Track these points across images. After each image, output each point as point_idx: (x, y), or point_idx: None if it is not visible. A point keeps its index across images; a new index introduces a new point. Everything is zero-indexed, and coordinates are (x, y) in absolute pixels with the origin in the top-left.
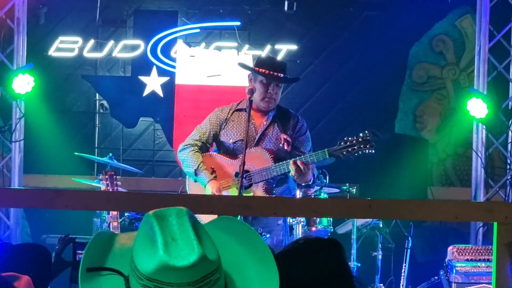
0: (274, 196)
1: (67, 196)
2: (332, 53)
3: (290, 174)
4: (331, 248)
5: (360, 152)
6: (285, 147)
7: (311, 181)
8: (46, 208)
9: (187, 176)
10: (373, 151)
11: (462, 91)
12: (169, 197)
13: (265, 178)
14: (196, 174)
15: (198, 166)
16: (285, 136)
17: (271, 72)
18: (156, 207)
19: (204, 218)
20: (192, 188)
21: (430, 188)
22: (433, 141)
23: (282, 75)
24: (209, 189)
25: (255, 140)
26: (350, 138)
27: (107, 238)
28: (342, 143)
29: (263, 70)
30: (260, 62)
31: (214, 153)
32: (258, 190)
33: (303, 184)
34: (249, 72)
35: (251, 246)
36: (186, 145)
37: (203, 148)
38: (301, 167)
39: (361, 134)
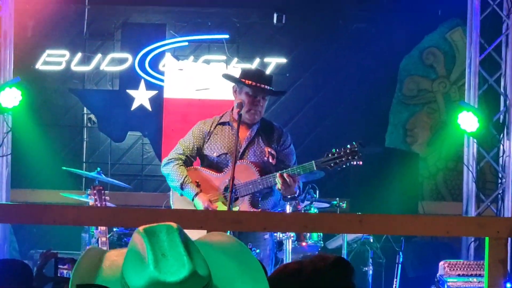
0: (264, 211)
1: (55, 211)
2: (322, 66)
3: (276, 187)
4: (338, 269)
5: (348, 164)
6: (270, 160)
7: (297, 194)
8: (34, 223)
9: (171, 190)
10: (361, 162)
11: (452, 105)
12: (158, 212)
13: (251, 191)
14: (182, 188)
15: (184, 179)
16: (269, 149)
17: (258, 84)
18: (145, 222)
19: (194, 234)
20: (177, 202)
21: (421, 202)
22: (423, 155)
23: (268, 87)
24: (199, 203)
25: (239, 153)
26: (337, 150)
27: (97, 254)
28: (329, 155)
29: (250, 82)
30: (246, 74)
31: (199, 166)
32: (244, 204)
33: (288, 196)
34: (233, 84)
35: (242, 262)
36: (170, 159)
37: (187, 162)
38: (287, 180)
39: (348, 146)
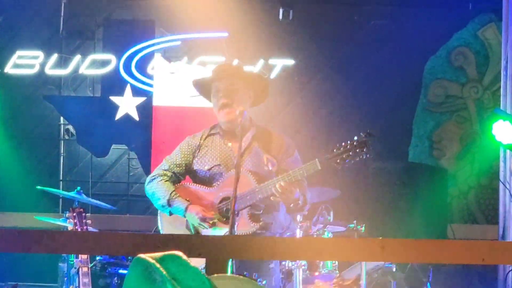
0: (271, 237)
1: (28, 237)
2: (335, 69)
3: (271, 196)
4: None
5: (357, 158)
6: (270, 167)
7: (301, 201)
8: (3, 251)
9: (158, 213)
10: (371, 155)
11: (486, 113)
12: (148, 237)
13: (249, 202)
14: (169, 204)
15: (171, 194)
16: (268, 156)
17: (212, 76)
18: (134, 249)
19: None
20: (167, 226)
21: (450, 225)
22: (453, 171)
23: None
24: (192, 215)
25: (234, 163)
26: (343, 144)
27: None
28: (335, 150)
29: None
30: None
31: (187, 183)
32: (242, 219)
33: (291, 205)
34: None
35: None
36: (154, 176)
37: (174, 179)
38: (286, 188)
39: (355, 138)
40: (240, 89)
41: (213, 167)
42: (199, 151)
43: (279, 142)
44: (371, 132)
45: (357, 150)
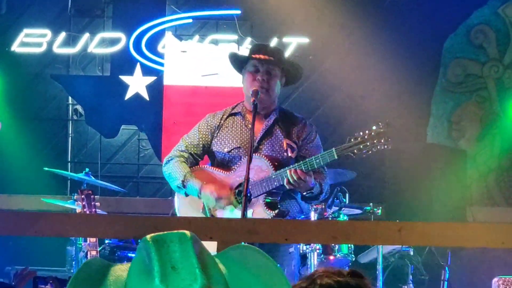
0: (284, 219)
1: (35, 220)
2: (351, 47)
3: (285, 182)
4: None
5: (374, 149)
6: (289, 154)
7: (315, 190)
8: (11, 234)
9: (175, 195)
10: (390, 146)
11: (506, 92)
12: (159, 220)
13: (265, 190)
14: (184, 185)
15: (185, 175)
16: (288, 141)
17: (254, 56)
18: (144, 233)
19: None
20: (183, 208)
21: (469, 208)
22: (472, 152)
23: (268, 57)
24: (207, 194)
25: (254, 147)
26: (361, 133)
27: (100, 268)
28: (352, 140)
29: (245, 56)
30: (250, 51)
31: (205, 165)
32: (258, 206)
33: (306, 194)
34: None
35: (269, 280)
36: (170, 157)
37: (191, 160)
38: (300, 177)
39: (374, 127)
40: (277, 75)
41: (233, 149)
42: (219, 131)
43: (301, 126)
44: (390, 123)
45: (375, 141)
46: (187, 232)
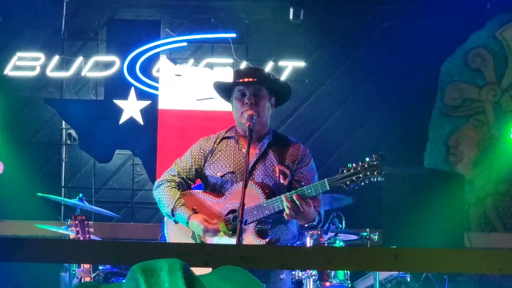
0: (280, 245)
1: (29, 245)
2: (347, 71)
3: (284, 214)
4: None
5: (366, 181)
6: (281, 180)
7: (316, 221)
8: (3, 260)
9: (164, 219)
10: (382, 178)
11: (504, 116)
12: (152, 246)
13: (256, 218)
14: (173, 214)
15: (175, 203)
16: (281, 167)
17: (239, 80)
18: (137, 260)
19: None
20: (172, 233)
21: (467, 234)
22: (470, 177)
23: (252, 79)
24: (194, 223)
25: (248, 172)
26: (354, 165)
27: None
28: (345, 171)
29: (227, 82)
30: (233, 78)
31: (196, 190)
32: (248, 234)
33: (305, 225)
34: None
35: None
36: (162, 181)
37: (183, 185)
38: (297, 202)
39: (367, 159)
40: (265, 96)
41: (226, 174)
42: (212, 155)
43: (295, 150)
44: (383, 155)
45: (368, 173)
46: (177, 260)
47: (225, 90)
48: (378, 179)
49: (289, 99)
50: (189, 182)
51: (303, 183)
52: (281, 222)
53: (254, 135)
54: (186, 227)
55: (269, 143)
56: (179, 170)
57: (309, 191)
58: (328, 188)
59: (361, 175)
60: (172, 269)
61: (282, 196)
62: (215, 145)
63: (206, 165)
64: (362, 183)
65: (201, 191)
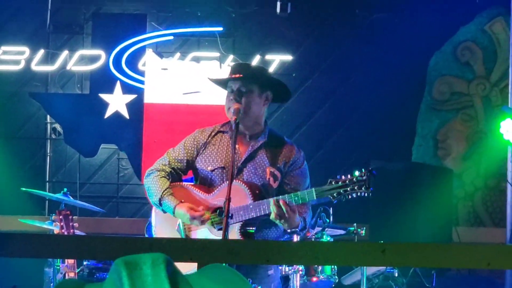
0: (266, 240)
1: (12, 241)
2: (335, 65)
3: (271, 217)
4: None
5: (354, 195)
6: (271, 183)
7: (299, 227)
8: None
9: (153, 209)
10: (370, 194)
11: (493, 110)
12: (137, 241)
13: (241, 219)
14: (160, 203)
15: (163, 192)
16: (271, 169)
17: (231, 76)
18: (122, 254)
19: (184, 267)
20: (158, 225)
21: (455, 228)
22: (458, 171)
23: (238, 75)
24: (180, 212)
25: (236, 170)
26: (343, 177)
27: None
28: (333, 183)
29: (220, 78)
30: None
31: (186, 183)
32: (233, 234)
33: (288, 230)
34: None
35: None
36: (152, 170)
37: (173, 175)
38: (284, 209)
39: (356, 173)
40: (253, 91)
41: (216, 169)
42: (205, 148)
43: (288, 152)
44: (373, 170)
45: (355, 188)
46: (161, 255)
47: (220, 83)
48: (366, 194)
49: (291, 95)
50: (180, 172)
51: (293, 186)
52: (267, 225)
53: (246, 131)
54: (173, 219)
55: (264, 143)
56: (170, 160)
57: (296, 198)
58: (314, 198)
59: (348, 189)
60: (156, 262)
61: (271, 200)
62: (209, 138)
63: (198, 157)
64: (349, 197)
65: (191, 184)
